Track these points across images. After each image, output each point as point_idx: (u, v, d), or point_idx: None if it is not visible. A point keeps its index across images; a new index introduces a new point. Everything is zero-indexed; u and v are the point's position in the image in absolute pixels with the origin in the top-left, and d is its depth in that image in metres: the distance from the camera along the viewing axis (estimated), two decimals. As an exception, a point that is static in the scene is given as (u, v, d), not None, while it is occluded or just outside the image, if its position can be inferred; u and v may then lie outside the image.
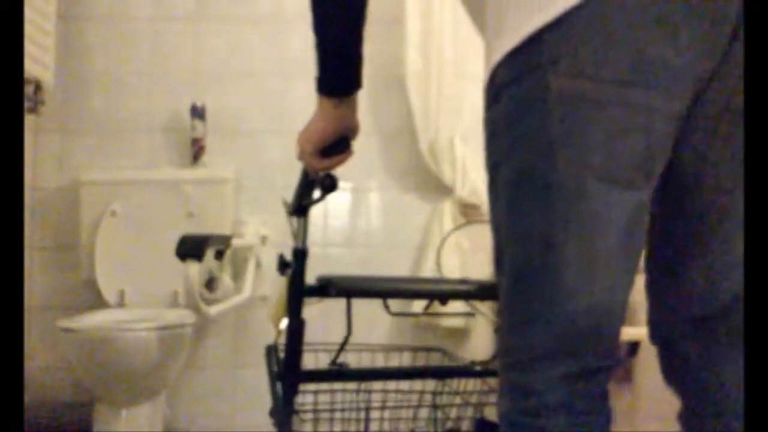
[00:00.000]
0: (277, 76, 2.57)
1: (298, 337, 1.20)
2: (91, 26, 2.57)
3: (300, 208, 1.24)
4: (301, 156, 1.13)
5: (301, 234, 1.27)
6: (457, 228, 1.61)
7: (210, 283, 2.28)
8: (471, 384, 1.38)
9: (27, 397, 2.41)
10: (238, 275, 2.42)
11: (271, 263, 2.48)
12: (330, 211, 2.52)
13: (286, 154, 2.56)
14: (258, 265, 2.45)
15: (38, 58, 2.25)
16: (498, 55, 0.72)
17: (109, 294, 2.27)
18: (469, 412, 1.37)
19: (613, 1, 0.64)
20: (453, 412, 1.42)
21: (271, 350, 1.28)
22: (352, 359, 1.37)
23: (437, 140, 2.39)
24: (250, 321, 2.47)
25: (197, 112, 2.44)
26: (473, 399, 1.49)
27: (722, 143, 0.73)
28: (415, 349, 1.58)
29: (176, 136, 2.52)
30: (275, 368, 1.25)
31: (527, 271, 0.74)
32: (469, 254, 2.42)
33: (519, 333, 0.77)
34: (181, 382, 2.42)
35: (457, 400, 1.48)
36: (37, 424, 2.29)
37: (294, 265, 1.25)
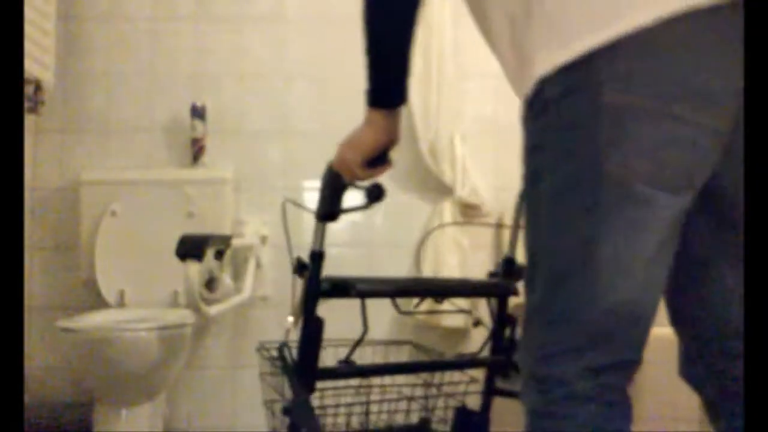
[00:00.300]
0: (277, 76, 2.58)
1: (315, 335, 1.24)
2: (91, 26, 2.57)
3: (331, 214, 1.27)
4: (345, 166, 1.16)
5: (319, 238, 1.32)
6: (434, 229, 1.65)
7: (210, 283, 2.27)
8: (456, 375, 1.43)
9: (27, 397, 2.41)
10: (238, 275, 2.42)
11: (270, 263, 2.49)
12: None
13: (286, 155, 2.56)
14: (258, 265, 2.45)
15: (38, 58, 2.25)
16: (545, 69, 0.76)
17: (109, 294, 2.28)
18: (452, 402, 1.42)
19: (664, 30, 0.71)
20: (441, 402, 1.46)
21: (283, 348, 1.30)
22: (327, 354, 1.39)
23: (437, 140, 2.39)
24: (250, 321, 2.47)
25: (197, 112, 2.44)
26: (461, 388, 1.54)
27: None
28: (386, 343, 1.62)
29: (176, 136, 2.52)
30: (289, 365, 1.27)
31: (570, 269, 0.79)
32: (469, 254, 2.43)
33: (554, 329, 0.81)
34: (181, 382, 2.42)
35: (434, 390, 1.53)
36: (37, 424, 2.29)
37: (311, 267, 1.31)
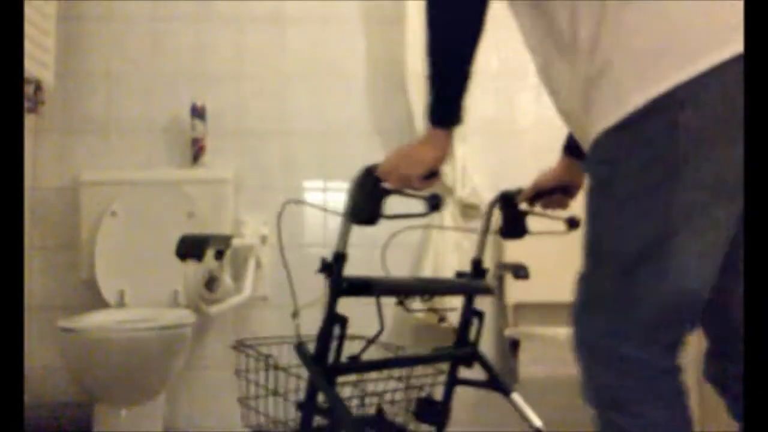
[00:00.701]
0: (276, 76, 2.58)
1: (340, 332, 1.33)
2: (91, 26, 2.57)
3: (371, 218, 1.31)
4: (403, 179, 1.23)
5: (343, 239, 1.38)
6: (398, 232, 1.71)
7: (210, 283, 2.27)
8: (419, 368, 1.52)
9: (27, 397, 2.41)
10: (238, 275, 2.42)
11: (270, 263, 2.49)
12: (331, 213, 2.53)
13: (285, 155, 2.57)
14: (258, 264, 2.45)
15: (38, 58, 2.26)
16: (638, 97, 0.89)
17: (109, 294, 2.28)
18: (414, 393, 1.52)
19: (726, 74, 0.87)
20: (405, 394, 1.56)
21: (300, 347, 1.35)
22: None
23: (437, 140, 2.39)
24: (250, 321, 2.47)
25: (197, 113, 2.45)
26: (428, 380, 1.61)
27: None
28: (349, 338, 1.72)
29: (176, 137, 2.53)
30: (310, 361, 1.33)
31: (645, 259, 0.91)
32: (469, 253, 2.43)
33: (630, 312, 0.93)
34: (181, 382, 2.42)
35: (400, 384, 1.60)
36: (38, 424, 2.29)
37: (334, 267, 1.37)
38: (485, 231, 1.63)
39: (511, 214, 1.49)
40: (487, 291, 1.60)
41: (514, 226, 1.50)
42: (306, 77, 2.59)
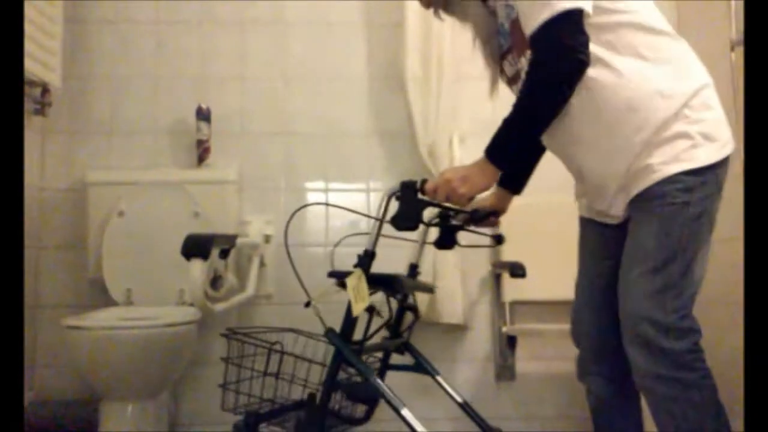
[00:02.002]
0: (279, 79, 2.61)
1: (369, 316, 1.68)
2: (97, 29, 2.60)
3: (414, 225, 1.52)
4: (456, 195, 1.42)
5: (374, 240, 1.58)
6: (345, 237, 1.89)
7: (215, 282, 2.31)
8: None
9: (34, 395, 2.43)
10: (242, 274, 2.45)
11: (274, 262, 2.52)
12: (331, 212, 2.56)
13: (288, 156, 2.60)
14: (262, 263, 2.48)
15: (45, 61, 2.29)
16: (676, 167, 1.28)
17: (116, 292, 2.30)
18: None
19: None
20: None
21: (331, 330, 1.59)
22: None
23: (436, 142, 2.43)
24: (254, 318, 2.50)
25: (202, 115, 2.47)
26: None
27: None
28: (268, 330, 1.88)
29: (181, 138, 2.56)
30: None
31: (695, 258, 1.30)
32: (469, 253, 2.45)
33: (688, 296, 1.29)
34: (185, 379, 2.45)
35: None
36: (44, 421, 2.30)
37: (365, 261, 1.59)
38: (423, 242, 1.88)
39: (447, 229, 1.72)
40: (426, 289, 1.88)
41: (447, 239, 1.73)
42: (308, 80, 2.62)
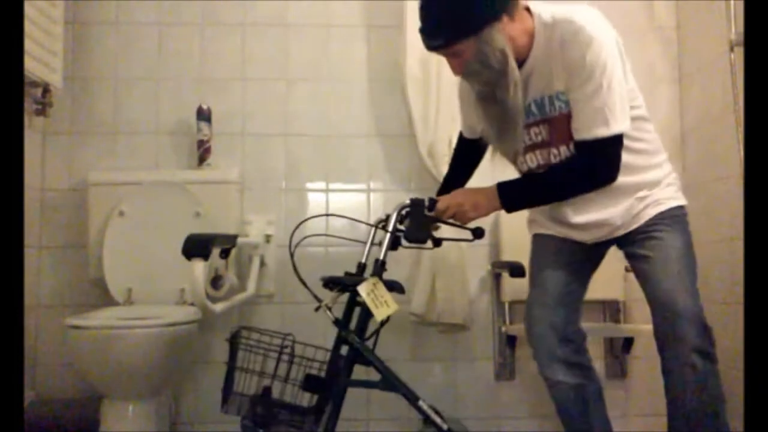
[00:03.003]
0: (280, 79, 2.62)
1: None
2: (98, 30, 2.61)
3: (422, 239, 1.68)
4: (464, 215, 1.64)
5: (385, 249, 1.70)
6: (304, 238, 1.90)
7: (216, 281, 2.31)
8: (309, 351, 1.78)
9: (35, 394, 2.44)
10: (243, 273, 2.46)
11: (275, 262, 2.52)
12: (332, 212, 2.55)
13: (288, 156, 2.60)
14: (262, 263, 2.49)
15: (46, 62, 2.29)
16: (675, 202, 1.64)
17: (117, 292, 2.31)
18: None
19: None
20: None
21: (337, 321, 1.74)
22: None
23: (436, 142, 2.43)
24: (255, 318, 2.50)
25: (203, 115, 2.48)
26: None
27: None
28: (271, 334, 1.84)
29: (183, 139, 2.56)
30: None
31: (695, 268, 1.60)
32: (468, 252, 2.46)
33: (697, 292, 1.56)
34: (187, 378, 2.46)
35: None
36: (45, 421, 2.30)
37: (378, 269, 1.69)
38: (371, 242, 1.90)
39: (418, 221, 1.71)
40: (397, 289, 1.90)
41: (419, 231, 1.71)
42: (308, 81, 2.62)
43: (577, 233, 1.67)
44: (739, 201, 2.05)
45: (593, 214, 1.62)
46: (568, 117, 1.53)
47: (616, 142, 1.50)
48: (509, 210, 1.63)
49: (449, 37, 1.48)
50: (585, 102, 1.47)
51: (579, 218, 1.63)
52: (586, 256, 1.72)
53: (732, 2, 2.10)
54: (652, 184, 1.62)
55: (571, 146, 1.55)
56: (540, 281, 1.70)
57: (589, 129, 1.48)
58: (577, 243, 1.69)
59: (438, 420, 1.71)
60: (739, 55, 2.08)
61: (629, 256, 1.66)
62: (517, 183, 1.64)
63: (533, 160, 1.63)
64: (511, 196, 1.61)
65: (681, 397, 1.51)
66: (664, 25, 2.68)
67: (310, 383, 1.75)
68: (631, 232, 1.63)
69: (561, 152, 1.57)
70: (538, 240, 1.78)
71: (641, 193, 1.61)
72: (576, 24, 1.46)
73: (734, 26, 2.09)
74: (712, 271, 2.26)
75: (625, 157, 1.53)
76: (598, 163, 1.52)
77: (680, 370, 1.50)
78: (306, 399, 1.79)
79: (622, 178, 1.54)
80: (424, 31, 1.52)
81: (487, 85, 1.54)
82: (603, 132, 1.47)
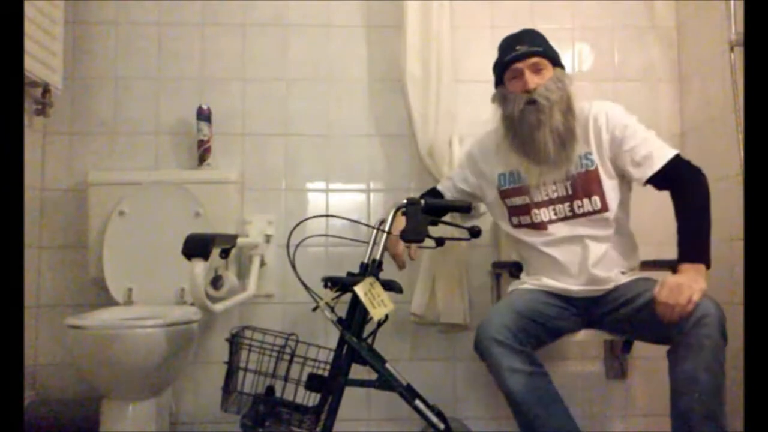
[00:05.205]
0: (280, 79, 2.62)
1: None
2: (98, 30, 2.61)
3: (419, 239, 1.73)
4: (691, 304, 1.60)
5: (382, 248, 1.82)
6: (305, 239, 1.97)
7: (216, 281, 2.31)
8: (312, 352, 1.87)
9: (35, 394, 2.44)
10: (243, 273, 2.46)
11: (274, 262, 2.53)
12: (332, 212, 2.56)
13: (288, 156, 2.60)
14: (262, 263, 2.49)
15: (46, 62, 2.30)
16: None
17: (117, 292, 2.31)
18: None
19: None
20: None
21: (340, 321, 1.79)
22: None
23: (436, 142, 2.43)
24: (255, 318, 2.50)
25: (203, 115, 2.48)
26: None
27: None
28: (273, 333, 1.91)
29: (182, 138, 2.57)
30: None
31: None
32: (467, 252, 2.46)
33: None
34: (186, 378, 2.47)
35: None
36: (45, 420, 2.31)
37: (376, 270, 1.78)
38: (374, 241, 1.91)
39: (415, 220, 1.74)
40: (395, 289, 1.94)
41: (416, 231, 1.74)
42: (308, 81, 2.62)
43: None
44: (739, 201, 2.05)
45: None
46: (591, 173, 1.81)
47: (679, 156, 1.80)
48: (709, 261, 1.70)
49: (547, 51, 1.85)
50: (641, 145, 1.79)
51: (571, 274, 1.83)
52: (566, 321, 1.85)
53: (732, 2, 2.10)
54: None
55: (593, 199, 1.80)
56: (510, 301, 1.81)
57: (659, 158, 1.78)
58: (563, 306, 1.83)
59: (434, 419, 1.72)
60: (739, 55, 2.08)
61: (619, 320, 1.79)
62: (692, 240, 1.71)
63: (547, 215, 1.86)
64: (705, 251, 1.70)
65: (698, 380, 1.52)
66: (663, 25, 2.68)
67: (313, 382, 1.77)
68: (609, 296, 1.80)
69: (584, 204, 1.82)
70: (522, 291, 1.89)
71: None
72: (608, 103, 1.88)
73: (734, 26, 2.09)
74: (712, 271, 2.26)
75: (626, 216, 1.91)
76: (686, 170, 1.77)
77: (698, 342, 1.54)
78: (311, 399, 1.81)
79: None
80: (523, 40, 1.85)
81: (544, 113, 1.79)
82: (670, 154, 1.79)
